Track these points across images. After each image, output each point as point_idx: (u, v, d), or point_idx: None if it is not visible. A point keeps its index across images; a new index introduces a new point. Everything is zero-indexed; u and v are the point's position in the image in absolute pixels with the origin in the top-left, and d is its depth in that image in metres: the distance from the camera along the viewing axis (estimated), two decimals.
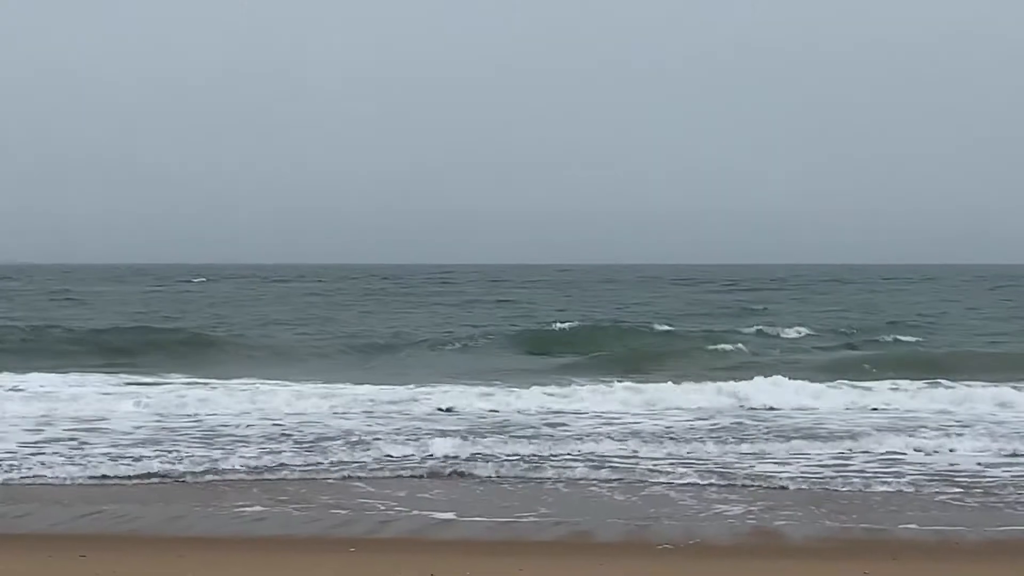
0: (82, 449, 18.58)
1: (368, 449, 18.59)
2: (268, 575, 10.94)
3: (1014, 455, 18.35)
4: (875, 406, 24.07)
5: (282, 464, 17.42)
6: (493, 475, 16.76)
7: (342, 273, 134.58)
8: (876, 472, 17.09)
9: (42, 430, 20.48)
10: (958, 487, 16.03)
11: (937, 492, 15.76)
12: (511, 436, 19.95)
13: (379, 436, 19.92)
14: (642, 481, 16.38)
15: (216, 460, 17.60)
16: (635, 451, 18.56)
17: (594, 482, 16.36)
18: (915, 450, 18.63)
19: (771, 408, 23.75)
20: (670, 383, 26.58)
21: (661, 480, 16.41)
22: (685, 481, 16.32)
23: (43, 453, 18.22)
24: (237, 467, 17.16)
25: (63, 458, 17.68)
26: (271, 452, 18.32)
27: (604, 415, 22.76)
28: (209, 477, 16.65)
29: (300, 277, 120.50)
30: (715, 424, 21.71)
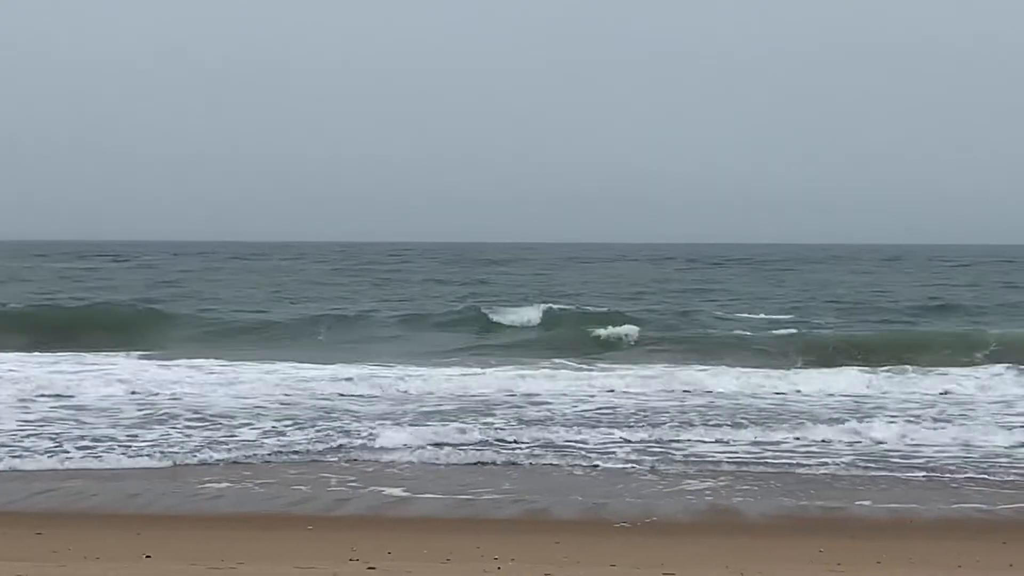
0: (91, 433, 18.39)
1: (332, 430, 18.66)
2: (226, 553, 10.91)
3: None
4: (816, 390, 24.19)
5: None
6: (447, 457, 16.73)
7: (301, 250, 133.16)
8: (821, 452, 17.24)
9: (27, 408, 20.39)
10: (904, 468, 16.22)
11: (884, 473, 15.93)
12: (467, 417, 20.04)
13: (342, 416, 19.99)
14: (599, 461, 16.44)
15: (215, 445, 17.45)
16: (591, 434, 18.57)
17: (551, 461, 16.42)
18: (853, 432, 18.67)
19: (717, 392, 23.68)
20: (617, 365, 26.81)
21: (617, 460, 16.49)
22: (640, 461, 16.41)
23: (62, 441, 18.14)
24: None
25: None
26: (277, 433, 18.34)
27: (558, 397, 22.76)
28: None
29: (256, 255, 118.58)
30: (681, 406, 21.89)
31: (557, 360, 28.41)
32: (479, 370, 26.06)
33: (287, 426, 18.87)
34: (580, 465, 16.16)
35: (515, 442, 17.67)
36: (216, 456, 16.55)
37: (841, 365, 27.37)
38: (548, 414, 20.49)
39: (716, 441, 17.91)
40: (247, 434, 18.21)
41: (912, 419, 19.85)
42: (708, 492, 14.46)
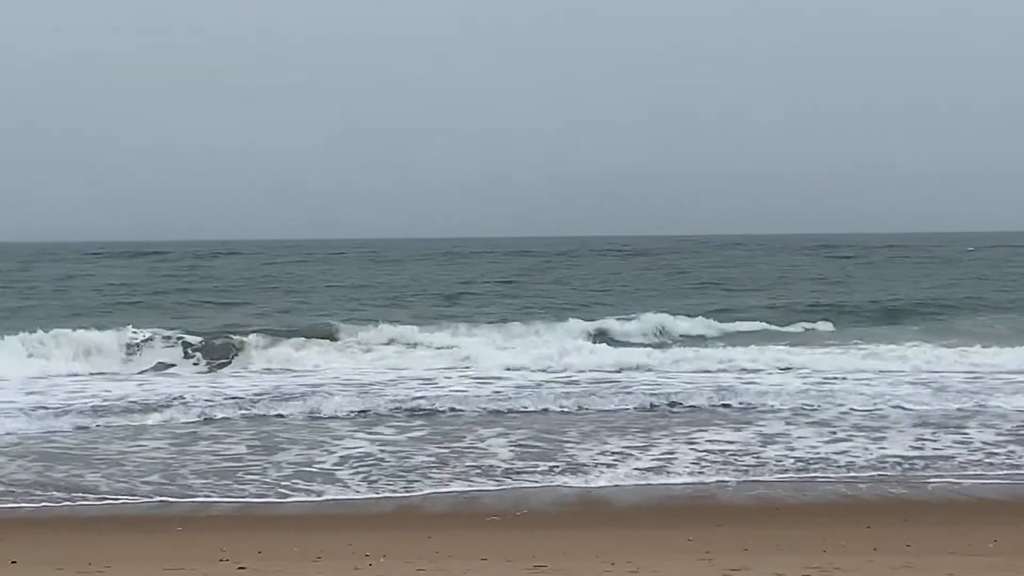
0: None
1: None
2: (93, 556, 10.74)
3: None
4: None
5: None
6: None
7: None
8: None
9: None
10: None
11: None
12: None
13: None
14: (471, 451, 16.49)
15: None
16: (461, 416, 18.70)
17: (423, 451, 16.42)
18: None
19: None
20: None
21: (491, 449, 16.55)
22: (511, 452, 16.51)
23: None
24: None
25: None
26: None
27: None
28: None
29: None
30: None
31: None
32: None
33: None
34: (450, 454, 16.18)
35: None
36: None
37: None
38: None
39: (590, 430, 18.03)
40: None
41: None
42: (578, 482, 14.53)
